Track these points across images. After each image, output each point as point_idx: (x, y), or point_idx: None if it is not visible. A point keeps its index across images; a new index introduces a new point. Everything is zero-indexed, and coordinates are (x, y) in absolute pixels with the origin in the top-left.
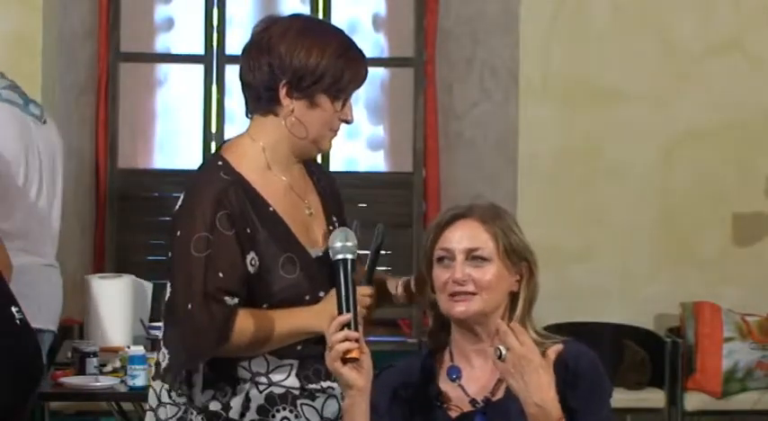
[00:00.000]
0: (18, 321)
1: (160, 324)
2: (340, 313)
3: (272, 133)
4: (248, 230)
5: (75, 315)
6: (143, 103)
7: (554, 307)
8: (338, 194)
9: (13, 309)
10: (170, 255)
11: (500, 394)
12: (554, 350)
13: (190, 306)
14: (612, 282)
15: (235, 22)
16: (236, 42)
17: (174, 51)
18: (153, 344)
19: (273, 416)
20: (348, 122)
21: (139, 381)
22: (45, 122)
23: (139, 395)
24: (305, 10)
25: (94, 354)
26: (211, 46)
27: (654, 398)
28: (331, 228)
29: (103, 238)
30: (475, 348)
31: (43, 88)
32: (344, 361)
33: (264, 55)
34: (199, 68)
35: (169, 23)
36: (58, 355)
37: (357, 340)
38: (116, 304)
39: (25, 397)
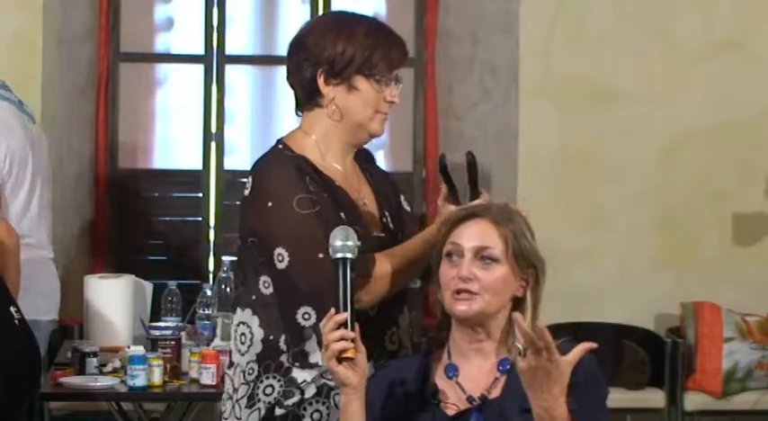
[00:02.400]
0: (16, 321)
1: (160, 324)
2: (337, 312)
3: (321, 125)
4: (331, 195)
5: (76, 315)
6: (143, 103)
7: (554, 307)
8: (395, 192)
9: (12, 309)
10: (260, 229)
11: (497, 392)
12: (583, 347)
13: (321, 255)
14: (612, 282)
15: (235, 22)
16: (236, 42)
17: (174, 51)
18: (153, 344)
19: (305, 409)
20: (393, 103)
21: (139, 381)
22: (34, 123)
23: (139, 395)
24: (305, 10)
25: (94, 354)
26: (211, 46)
27: (654, 398)
28: (384, 220)
29: (103, 238)
30: (473, 347)
31: (43, 88)
32: (340, 359)
33: (299, 52)
34: (199, 68)
35: (169, 23)
36: (58, 356)
37: (353, 340)
38: (116, 304)
39: (24, 396)
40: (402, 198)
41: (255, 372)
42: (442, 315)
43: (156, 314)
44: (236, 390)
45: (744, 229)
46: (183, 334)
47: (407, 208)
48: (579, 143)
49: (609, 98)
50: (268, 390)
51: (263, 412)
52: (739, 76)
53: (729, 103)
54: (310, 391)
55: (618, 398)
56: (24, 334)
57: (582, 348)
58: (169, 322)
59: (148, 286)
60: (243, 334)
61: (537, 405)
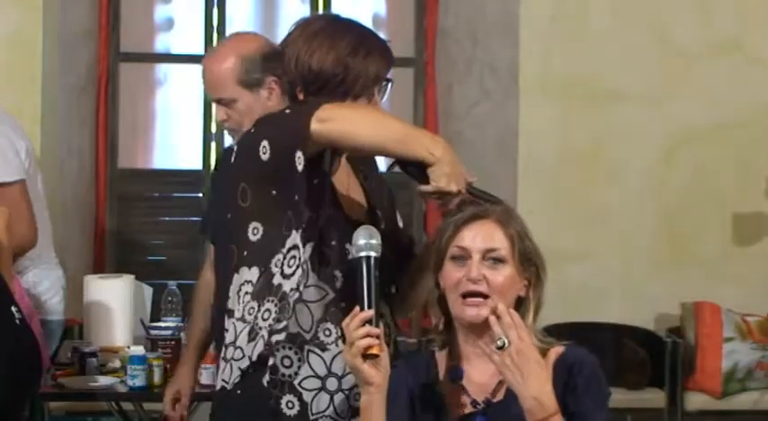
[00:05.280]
0: (18, 321)
1: (159, 324)
2: (362, 309)
3: None
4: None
5: (76, 315)
6: (143, 103)
7: (554, 307)
8: (389, 195)
9: (13, 309)
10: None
11: (501, 395)
12: (555, 351)
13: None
14: (612, 282)
15: (235, 22)
16: None
17: (174, 51)
18: (153, 344)
19: (277, 351)
20: None
21: (139, 381)
22: None
23: (139, 395)
24: (305, 10)
25: (94, 354)
26: (211, 46)
27: (654, 398)
28: (369, 214)
29: (103, 238)
30: (477, 350)
31: (43, 88)
32: (365, 357)
33: (281, 60)
34: (199, 68)
35: (169, 23)
36: (58, 355)
37: (378, 337)
38: (116, 304)
39: (24, 396)
40: (398, 214)
41: (255, 310)
42: (442, 316)
43: (156, 314)
44: (237, 338)
45: (743, 229)
46: (182, 334)
47: (400, 224)
48: (579, 143)
49: (609, 98)
50: (266, 315)
51: (266, 337)
52: (739, 77)
53: (729, 103)
54: (293, 297)
55: (618, 398)
56: (26, 334)
57: (554, 353)
58: (169, 322)
59: (148, 290)
60: (246, 292)
61: (527, 395)
